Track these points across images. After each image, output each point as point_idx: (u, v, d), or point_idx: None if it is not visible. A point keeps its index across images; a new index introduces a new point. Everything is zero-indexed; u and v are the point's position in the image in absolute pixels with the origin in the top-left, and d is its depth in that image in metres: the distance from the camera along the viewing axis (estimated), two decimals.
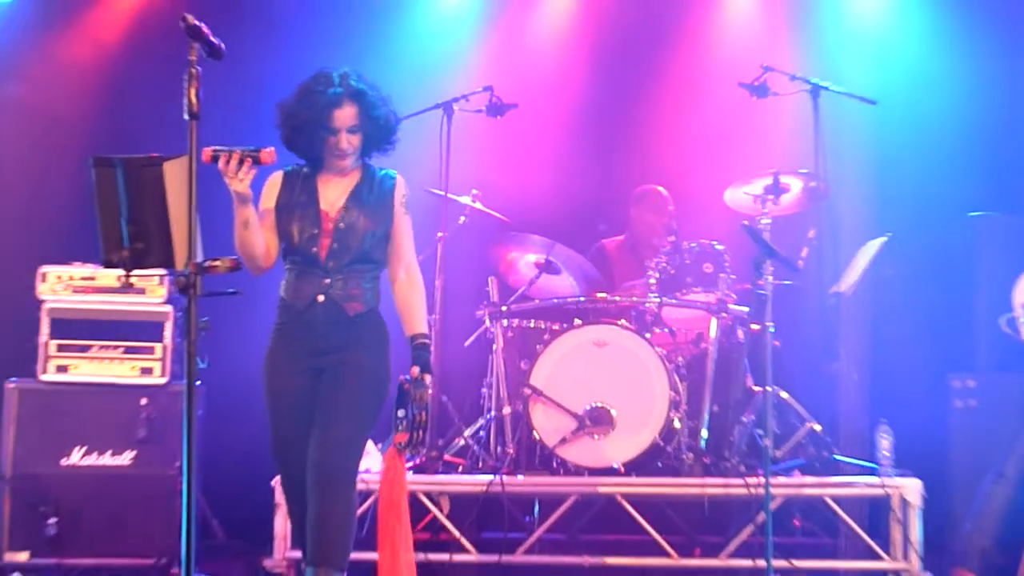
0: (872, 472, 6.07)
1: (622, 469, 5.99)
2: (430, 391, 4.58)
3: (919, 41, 7.61)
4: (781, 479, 5.95)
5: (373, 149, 4.63)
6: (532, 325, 6.46)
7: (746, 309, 6.41)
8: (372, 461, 5.70)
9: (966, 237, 6.82)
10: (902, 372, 7.12)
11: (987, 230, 6.68)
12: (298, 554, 5.39)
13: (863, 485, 6.03)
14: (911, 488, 5.88)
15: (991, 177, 6.92)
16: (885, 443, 6.11)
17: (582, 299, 6.59)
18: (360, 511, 5.22)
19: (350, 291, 4.49)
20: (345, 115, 4.44)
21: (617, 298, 6.56)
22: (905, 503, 5.89)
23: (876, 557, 5.91)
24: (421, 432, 4.48)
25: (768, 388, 5.69)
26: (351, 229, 4.49)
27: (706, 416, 6.34)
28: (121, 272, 4.03)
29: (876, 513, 6.06)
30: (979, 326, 6.62)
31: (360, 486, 4.74)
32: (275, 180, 4.55)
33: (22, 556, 5.88)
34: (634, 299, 6.51)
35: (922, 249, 7.08)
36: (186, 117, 3.55)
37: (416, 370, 4.42)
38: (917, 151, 7.23)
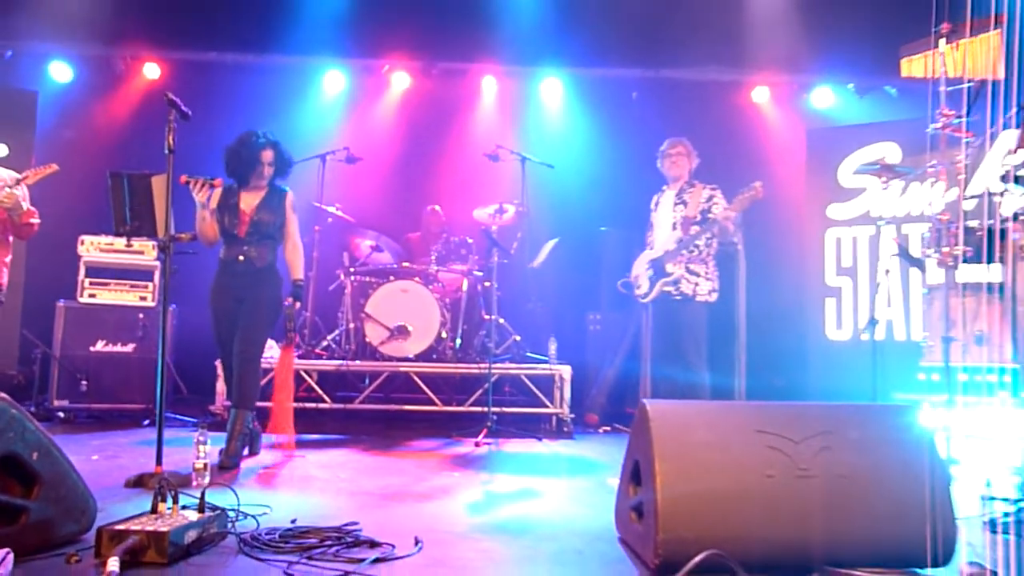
0: (546, 362, 6.38)
1: (414, 358, 6.19)
2: (299, 310, 4.75)
3: (577, 130, 7.97)
4: (498, 365, 6.17)
5: (278, 175, 4.74)
6: (367, 279, 6.55)
7: (482, 274, 6.70)
8: (271, 352, 5.67)
9: (599, 240, 7.11)
10: (564, 309, 7.43)
11: (608, 237, 7.03)
12: (228, 402, 5.24)
13: (541, 369, 6.34)
14: (565, 371, 6.26)
15: (611, 208, 7.16)
16: (553, 348, 6.44)
17: (395, 266, 6.73)
18: (263, 381, 5.25)
19: (258, 254, 4.59)
20: (268, 154, 4.62)
21: (414, 266, 6.64)
22: (562, 379, 6.25)
23: (546, 407, 6.25)
24: (294, 333, 4.71)
25: (493, 316, 6.12)
26: (259, 221, 4.61)
27: (460, 331, 6.58)
28: (125, 239, 4.28)
29: (547, 384, 6.30)
30: (602, 287, 6.90)
31: (264, 365, 4.81)
32: (219, 192, 4.59)
33: (64, 402, 5.81)
34: (424, 267, 6.59)
35: (577, 245, 7.26)
36: (166, 152, 3.79)
37: (290, 300, 4.62)
38: (575, 191, 7.46)
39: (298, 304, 4.69)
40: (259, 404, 4.73)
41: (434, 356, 6.37)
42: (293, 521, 3.09)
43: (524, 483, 4.18)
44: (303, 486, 3.96)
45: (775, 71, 8.00)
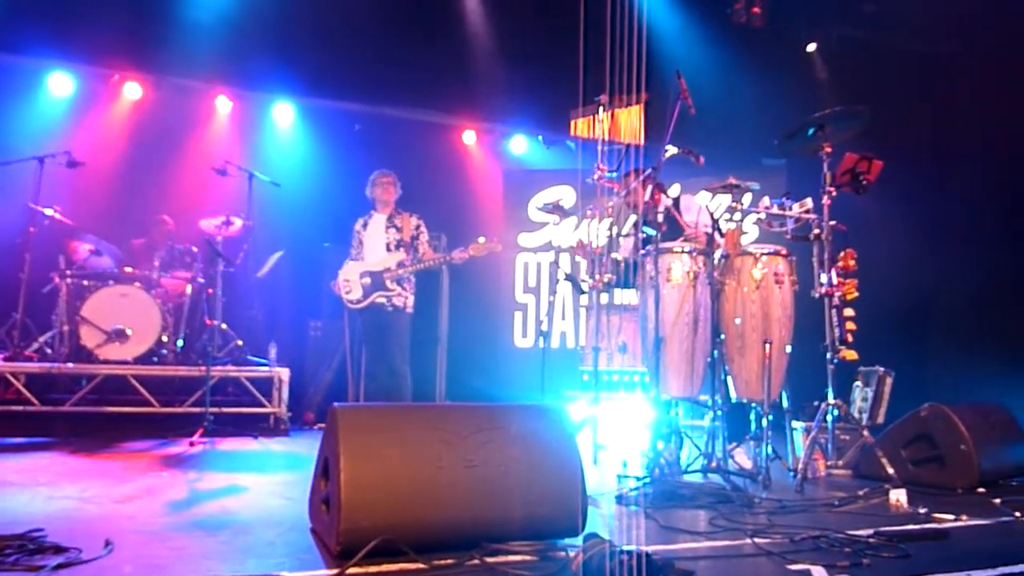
0: (266, 365, 6.09)
1: (132, 361, 5.70)
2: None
3: (305, 153, 7.68)
4: (218, 368, 5.80)
5: None
6: (84, 283, 5.86)
7: (205, 281, 6.27)
8: None
9: (321, 254, 6.73)
10: (287, 316, 7.15)
11: (330, 252, 6.48)
12: None
13: (261, 371, 6.04)
14: (284, 373, 6.03)
15: (333, 225, 6.56)
16: (273, 352, 6.13)
17: (115, 271, 6.10)
18: None
19: None
20: None
21: (135, 272, 6.07)
22: (281, 380, 6.00)
23: (265, 407, 5.93)
24: None
25: (215, 322, 5.84)
26: None
27: (182, 335, 6.19)
28: None
29: (267, 385, 5.97)
30: (323, 297, 6.58)
31: None
32: None
33: None
34: (146, 273, 6.07)
35: (301, 259, 7.04)
36: None
37: None
38: (300, 209, 7.03)
39: None
40: None
41: (154, 359, 5.89)
42: None
43: (231, 480, 3.95)
44: None
45: (481, 119, 8.36)
